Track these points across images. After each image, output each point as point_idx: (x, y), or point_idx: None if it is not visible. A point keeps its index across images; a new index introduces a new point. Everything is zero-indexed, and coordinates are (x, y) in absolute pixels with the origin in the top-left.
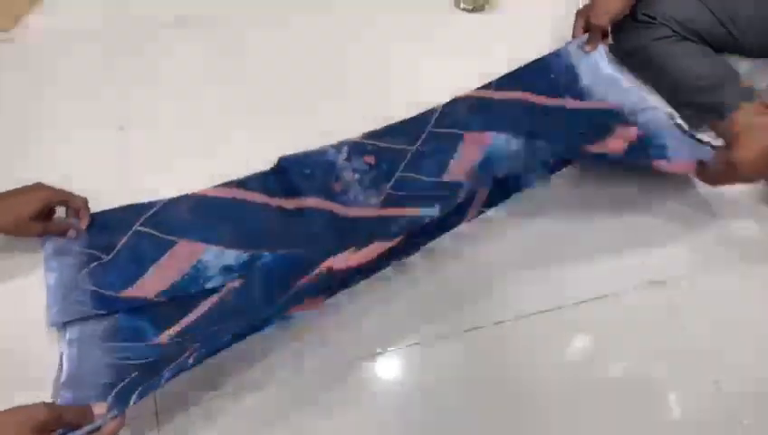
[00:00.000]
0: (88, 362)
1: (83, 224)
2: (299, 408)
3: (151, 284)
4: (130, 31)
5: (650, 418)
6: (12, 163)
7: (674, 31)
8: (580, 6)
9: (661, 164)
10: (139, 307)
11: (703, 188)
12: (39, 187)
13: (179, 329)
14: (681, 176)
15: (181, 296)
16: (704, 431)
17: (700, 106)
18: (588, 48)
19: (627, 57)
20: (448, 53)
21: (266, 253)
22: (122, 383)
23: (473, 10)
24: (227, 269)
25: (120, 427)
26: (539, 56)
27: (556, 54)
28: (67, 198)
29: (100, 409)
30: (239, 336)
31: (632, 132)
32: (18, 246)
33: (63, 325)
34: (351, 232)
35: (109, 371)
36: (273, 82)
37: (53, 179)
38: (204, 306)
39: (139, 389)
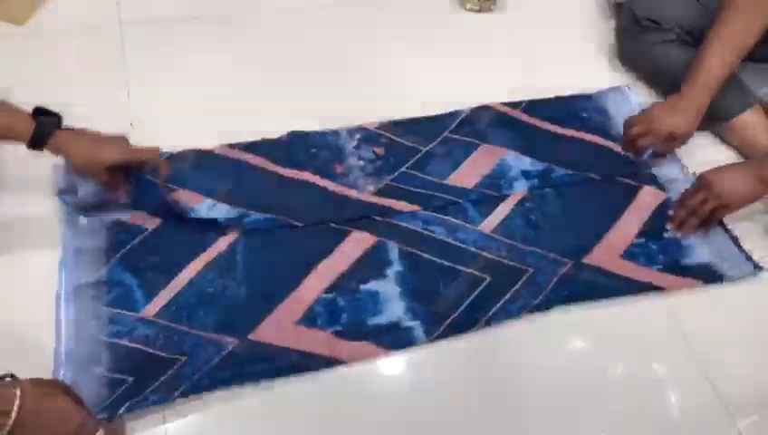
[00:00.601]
0: (83, 330)
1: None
2: (299, 407)
3: (146, 215)
4: (140, 25)
5: (650, 419)
6: (23, 159)
7: (677, 35)
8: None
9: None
10: (127, 263)
11: None
12: (123, 142)
13: (165, 302)
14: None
15: (169, 240)
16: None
17: None
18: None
19: (630, 60)
20: (454, 54)
21: (254, 213)
22: (114, 395)
23: (479, 11)
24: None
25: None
26: (542, 57)
27: (588, 97)
28: (140, 167)
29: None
30: (226, 381)
31: (659, 197)
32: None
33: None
34: (338, 210)
35: (104, 355)
36: (283, 81)
37: None
38: (184, 277)
39: (128, 403)
